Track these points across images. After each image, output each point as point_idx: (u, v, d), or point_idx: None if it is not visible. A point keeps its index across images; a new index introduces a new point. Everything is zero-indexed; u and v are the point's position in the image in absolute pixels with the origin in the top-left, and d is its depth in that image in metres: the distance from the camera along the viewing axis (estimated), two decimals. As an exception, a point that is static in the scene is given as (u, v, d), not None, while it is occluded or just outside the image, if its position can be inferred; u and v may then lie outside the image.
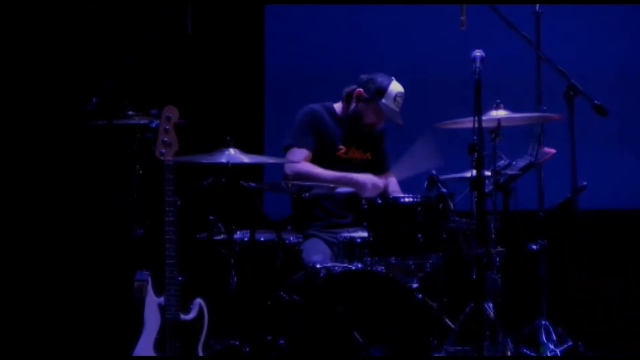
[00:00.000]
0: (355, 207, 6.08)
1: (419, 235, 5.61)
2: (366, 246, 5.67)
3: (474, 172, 5.10)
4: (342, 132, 6.30)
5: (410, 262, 5.64)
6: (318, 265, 5.61)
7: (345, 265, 5.65)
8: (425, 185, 5.76)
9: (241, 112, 7.40)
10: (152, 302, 5.17)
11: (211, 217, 5.69)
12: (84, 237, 6.92)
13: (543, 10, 6.44)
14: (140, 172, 5.82)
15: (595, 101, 5.59)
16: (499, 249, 5.68)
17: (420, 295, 5.53)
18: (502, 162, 5.65)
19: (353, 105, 6.27)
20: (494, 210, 5.59)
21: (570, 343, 5.98)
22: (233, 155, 5.52)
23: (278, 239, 5.65)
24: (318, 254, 5.91)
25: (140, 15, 6.80)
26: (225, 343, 5.47)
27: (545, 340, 5.95)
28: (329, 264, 5.66)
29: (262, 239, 5.68)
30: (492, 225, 5.61)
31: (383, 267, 5.61)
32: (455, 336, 5.70)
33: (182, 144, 5.28)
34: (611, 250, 7.32)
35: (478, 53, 5.20)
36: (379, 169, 6.31)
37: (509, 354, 5.53)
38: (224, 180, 5.55)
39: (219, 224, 5.69)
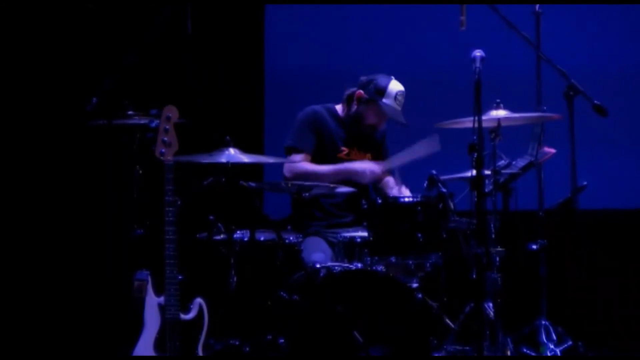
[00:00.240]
0: (355, 207, 6.08)
1: (419, 235, 5.61)
2: (366, 246, 5.67)
3: (474, 172, 5.10)
4: (344, 133, 6.30)
5: (410, 262, 5.65)
6: (318, 265, 5.61)
7: (345, 265, 5.65)
8: (425, 185, 5.77)
9: (241, 112, 7.41)
10: (152, 302, 5.17)
11: (211, 217, 5.69)
12: (84, 237, 6.92)
13: (543, 10, 6.44)
14: (140, 172, 5.82)
15: (595, 101, 5.59)
16: (499, 249, 5.68)
17: (420, 295, 5.53)
18: (502, 162, 5.65)
19: (354, 107, 6.27)
20: (494, 210, 5.59)
21: (570, 343, 5.98)
22: (233, 155, 5.53)
23: (278, 238, 5.65)
24: (319, 253, 5.91)
25: (140, 15, 6.79)
26: (225, 343, 5.47)
27: (545, 340, 5.95)
28: (329, 264, 5.66)
29: (262, 239, 5.68)
30: (492, 225, 5.62)
31: (383, 267, 5.61)
32: (455, 336, 5.70)
33: (182, 144, 5.27)
34: (611, 250, 7.32)
35: (478, 53, 5.21)
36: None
37: (509, 354, 5.53)
38: (224, 180, 5.55)
39: (219, 224, 5.69)
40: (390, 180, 6.29)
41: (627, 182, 7.31)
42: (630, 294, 7.33)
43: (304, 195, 5.74)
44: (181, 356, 5.15)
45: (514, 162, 5.72)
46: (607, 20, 7.36)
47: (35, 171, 6.95)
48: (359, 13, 7.49)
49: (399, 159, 6.14)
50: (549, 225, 6.20)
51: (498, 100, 5.70)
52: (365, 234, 5.69)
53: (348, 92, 6.32)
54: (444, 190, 5.69)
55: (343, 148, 6.28)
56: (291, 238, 5.80)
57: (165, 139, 5.23)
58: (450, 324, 5.73)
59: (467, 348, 5.63)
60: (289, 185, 5.81)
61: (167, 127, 5.24)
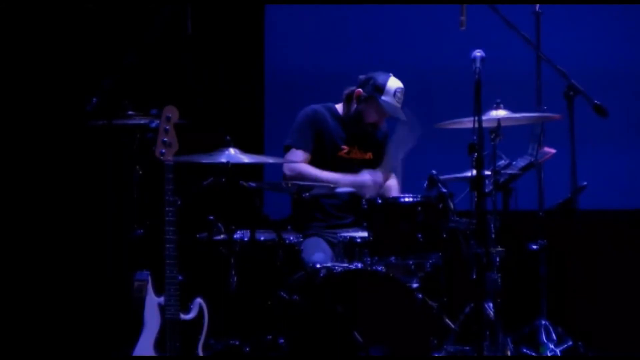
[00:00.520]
0: (355, 208, 6.08)
1: (419, 235, 5.62)
2: (366, 246, 5.67)
3: (474, 172, 5.10)
4: (344, 132, 6.30)
5: (411, 262, 5.65)
6: (318, 265, 5.61)
7: (346, 265, 5.65)
8: (425, 185, 5.77)
9: (241, 112, 7.40)
10: (152, 302, 5.17)
11: (211, 217, 5.69)
12: (84, 237, 6.92)
13: (543, 10, 6.44)
14: (140, 172, 5.82)
15: (595, 101, 5.59)
16: (499, 249, 5.67)
17: (420, 295, 5.53)
18: (502, 162, 5.65)
19: (354, 106, 6.27)
20: (494, 210, 5.59)
21: (570, 343, 5.98)
22: (233, 155, 5.53)
23: (278, 239, 5.65)
24: (319, 253, 5.91)
25: (140, 15, 6.79)
26: (225, 343, 5.47)
27: (545, 340, 5.94)
28: (329, 264, 5.66)
29: (262, 239, 5.68)
30: (492, 225, 5.61)
31: (383, 267, 5.61)
32: (455, 336, 5.70)
33: (182, 144, 5.27)
34: (611, 250, 7.32)
35: (478, 53, 5.20)
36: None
37: (509, 354, 5.53)
38: (224, 180, 5.55)
39: (219, 224, 5.69)
40: (392, 185, 6.30)
41: (627, 182, 7.31)
42: (630, 294, 7.32)
43: (304, 195, 5.74)
44: (181, 356, 5.15)
45: (514, 162, 5.72)
46: (607, 20, 7.36)
47: (35, 171, 6.95)
48: (359, 13, 7.49)
49: (393, 157, 6.15)
50: (549, 225, 6.20)
51: (498, 100, 5.70)
52: (365, 234, 5.69)
53: (347, 91, 6.32)
54: (444, 190, 5.69)
55: (343, 147, 6.27)
56: (291, 238, 5.80)
57: (165, 139, 5.23)
58: (450, 324, 5.73)
59: (467, 348, 5.62)
60: (289, 185, 5.81)
61: (167, 127, 5.24)
